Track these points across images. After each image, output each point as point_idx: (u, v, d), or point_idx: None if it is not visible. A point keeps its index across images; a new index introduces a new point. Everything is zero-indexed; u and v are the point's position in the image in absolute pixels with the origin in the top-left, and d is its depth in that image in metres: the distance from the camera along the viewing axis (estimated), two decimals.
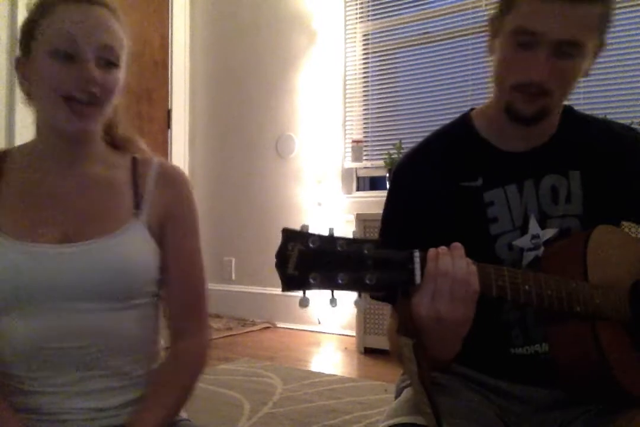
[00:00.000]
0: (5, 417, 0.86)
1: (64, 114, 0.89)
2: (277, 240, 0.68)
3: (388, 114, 3.51)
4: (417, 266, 0.73)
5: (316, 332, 3.49)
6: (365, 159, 3.52)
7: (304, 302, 0.69)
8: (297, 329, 3.57)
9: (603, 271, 0.90)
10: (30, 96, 0.95)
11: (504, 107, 0.97)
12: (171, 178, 1.02)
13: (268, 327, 3.63)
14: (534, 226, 1.00)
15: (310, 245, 0.68)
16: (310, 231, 0.69)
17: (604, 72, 2.84)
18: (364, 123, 3.59)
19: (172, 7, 4.08)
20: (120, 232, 0.93)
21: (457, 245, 0.78)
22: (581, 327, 0.86)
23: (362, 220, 2.96)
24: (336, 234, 0.70)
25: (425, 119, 3.34)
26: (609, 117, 2.62)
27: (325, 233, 0.70)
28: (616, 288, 0.91)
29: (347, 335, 3.30)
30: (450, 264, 0.75)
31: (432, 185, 1.02)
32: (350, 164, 3.57)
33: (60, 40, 0.88)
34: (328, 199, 3.58)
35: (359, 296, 0.72)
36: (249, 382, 2.41)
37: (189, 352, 0.99)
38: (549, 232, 1.00)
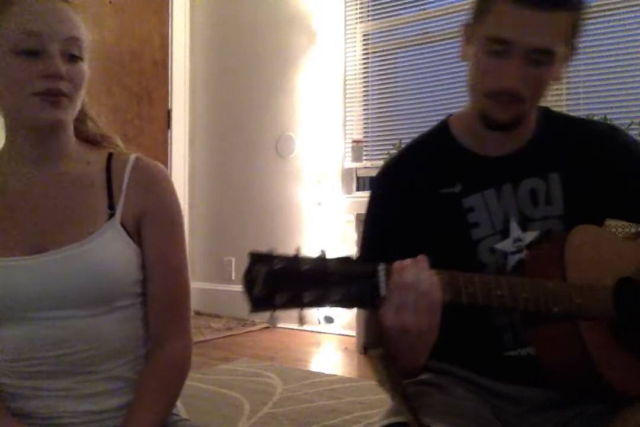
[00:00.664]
0: (4, 422, 0.86)
1: (35, 104, 0.86)
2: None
3: (388, 114, 3.51)
4: (382, 279, 0.74)
5: (316, 332, 3.49)
6: (365, 159, 3.52)
7: (272, 321, 0.72)
8: (297, 329, 3.57)
9: (583, 271, 0.90)
10: None
11: (479, 114, 0.98)
12: (147, 173, 0.97)
13: (268, 327, 3.63)
14: (515, 229, 1.00)
15: (276, 266, 0.70)
16: (278, 253, 0.71)
17: (604, 72, 2.84)
18: (364, 123, 3.59)
19: (172, 7, 4.07)
20: (95, 236, 0.90)
21: (421, 258, 0.79)
22: (563, 328, 0.86)
23: (362, 220, 2.94)
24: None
25: (425, 119, 3.34)
26: (609, 117, 2.63)
27: (292, 253, 0.72)
28: (598, 287, 0.91)
29: (347, 335, 3.30)
30: (414, 276, 0.76)
31: (413, 192, 1.03)
32: (350, 164, 3.57)
33: (24, 36, 0.85)
34: (328, 199, 3.58)
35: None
36: (249, 382, 2.40)
37: (171, 359, 0.95)
38: (531, 235, 1.00)
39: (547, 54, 0.91)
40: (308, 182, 3.69)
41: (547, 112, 1.08)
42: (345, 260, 0.72)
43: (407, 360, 0.84)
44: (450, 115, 1.11)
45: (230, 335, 3.36)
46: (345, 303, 0.72)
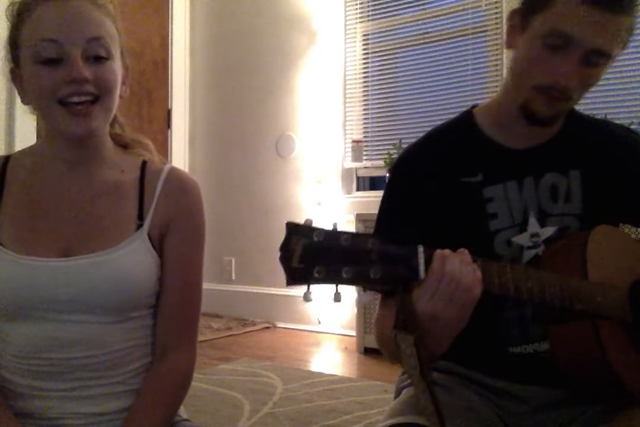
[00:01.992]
0: (4, 421, 0.86)
1: (63, 118, 0.86)
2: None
3: (388, 114, 3.51)
4: (422, 262, 0.73)
5: (316, 332, 3.49)
6: (365, 159, 3.52)
7: (307, 297, 0.70)
8: (297, 329, 3.57)
9: (602, 270, 0.90)
10: (30, 105, 0.92)
11: (520, 105, 0.96)
12: (179, 186, 0.98)
13: (268, 327, 3.63)
14: (533, 224, 1.00)
15: (315, 239, 0.67)
16: (314, 225, 0.69)
17: None
18: (364, 123, 3.59)
19: (172, 7, 4.08)
20: (122, 246, 0.91)
21: (464, 250, 0.78)
22: (582, 326, 0.86)
23: (362, 220, 2.96)
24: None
25: (425, 119, 3.34)
26: (609, 117, 2.62)
27: (330, 228, 0.70)
28: (616, 287, 0.91)
29: (347, 335, 3.30)
30: (458, 269, 0.75)
31: (432, 180, 1.02)
32: (350, 164, 3.57)
33: (42, 44, 0.84)
34: (328, 199, 3.58)
35: (364, 290, 0.72)
36: (249, 382, 2.41)
37: (175, 370, 0.95)
38: (548, 231, 1.00)
39: (603, 56, 0.90)
40: (308, 182, 3.69)
41: (573, 111, 1.07)
42: (385, 238, 0.70)
43: (429, 345, 0.82)
44: (475, 105, 1.10)
45: (230, 335, 3.36)
46: (383, 282, 0.70)
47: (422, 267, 0.73)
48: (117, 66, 0.90)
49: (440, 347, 0.84)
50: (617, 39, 0.90)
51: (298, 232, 0.67)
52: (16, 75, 0.91)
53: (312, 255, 0.67)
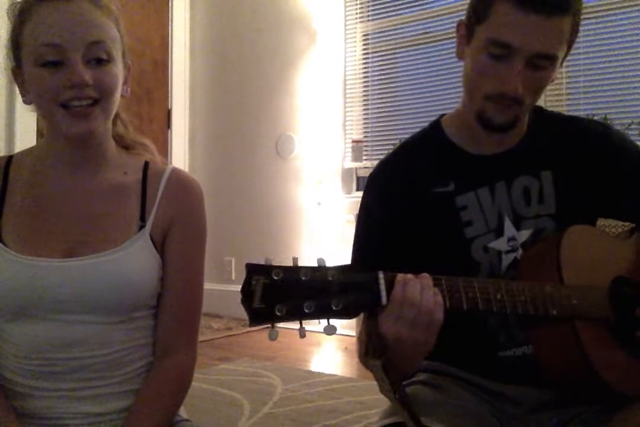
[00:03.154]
0: (4, 420, 0.86)
1: (64, 119, 0.86)
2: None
3: (388, 114, 3.51)
4: (383, 287, 0.74)
5: (316, 332, 3.48)
6: (365, 159, 3.52)
7: (272, 335, 0.71)
8: (297, 329, 3.56)
9: (579, 271, 0.90)
10: (31, 104, 0.92)
11: (476, 115, 0.97)
12: (181, 187, 0.99)
13: (268, 327, 3.62)
14: (509, 228, 1.00)
15: (274, 277, 0.69)
16: (274, 263, 0.69)
17: (604, 72, 2.84)
18: (364, 123, 3.59)
19: (172, 7, 4.08)
20: (124, 247, 0.91)
21: (425, 275, 0.79)
22: (561, 329, 0.87)
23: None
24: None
25: (425, 119, 3.32)
26: (609, 117, 2.63)
27: (290, 264, 0.70)
28: (595, 287, 0.91)
29: (347, 335, 3.30)
30: (418, 294, 0.76)
31: (404, 194, 1.03)
32: (350, 164, 3.57)
33: (42, 47, 0.84)
34: (328, 199, 3.58)
35: (328, 322, 0.73)
36: (249, 382, 2.40)
37: (175, 371, 0.95)
38: (525, 234, 1.00)
39: (549, 58, 0.91)
40: (308, 182, 3.69)
41: (539, 111, 1.08)
42: (345, 268, 0.72)
43: (400, 365, 0.84)
44: (443, 115, 1.11)
45: (230, 335, 3.36)
46: (347, 312, 0.71)
47: (383, 293, 0.74)
48: (118, 69, 0.90)
49: (412, 367, 0.86)
50: (559, 40, 0.90)
51: (258, 272, 0.69)
52: (17, 75, 0.91)
53: (272, 294, 0.68)
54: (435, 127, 1.08)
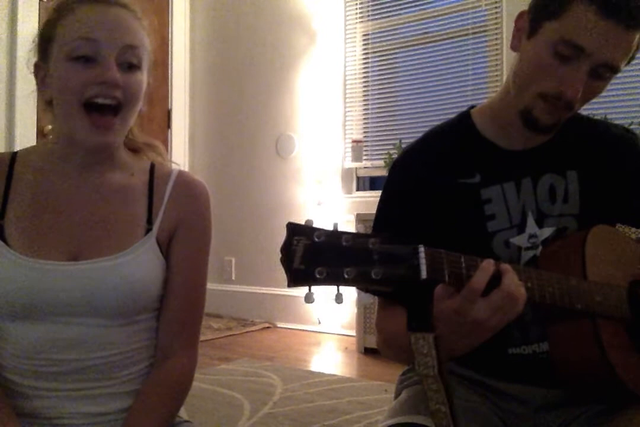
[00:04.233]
0: (4, 420, 0.86)
1: (85, 126, 0.86)
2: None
3: (388, 114, 3.51)
4: (423, 261, 0.72)
5: (316, 332, 3.49)
6: (365, 159, 3.52)
7: (309, 298, 0.68)
8: (297, 329, 3.57)
9: (601, 270, 0.90)
10: (50, 103, 0.91)
11: (521, 110, 0.95)
12: (188, 190, 0.98)
13: (268, 327, 3.63)
14: (531, 225, 1.00)
15: (316, 239, 0.66)
16: (315, 225, 0.68)
17: None
18: (364, 123, 3.59)
19: (172, 7, 4.08)
20: (131, 250, 0.90)
21: (508, 268, 0.76)
22: (582, 325, 0.86)
23: (362, 220, 2.97)
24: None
25: (425, 119, 3.34)
26: (609, 117, 2.63)
27: (330, 228, 0.69)
28: (615, 286, 0.91)
29: (347, 335, 3.30)
30: (519, 286, 0.74)
31: (430, 181, 1.02)
32: (350, 164, 3.57)
33: (80, 42, 0.84)
34: (328, 199, 3.58)
35: (365, 291, 0.70)
36: (249, 382, 2.41)
37: (176, 373, 0.94)
38: (547, 231, 1.00)
39: (612, 70, 0.90)
40: (308, 182, 3.69)
41: None
42: (385, 238, 0.69)
43: (454, 347, 0.81)
44: (473, 106, 1.10)
45: (230, 335, 3.36)
46: (385, 283, 0.68)
47: (423, 267, 0.72)
48: (144, 78, 0.91)
49: (465, 349, 0.82)
50: (627, 53, 0.89)
51: (299, 233, 0.67)
52: (40, 70, 0.91)
53: (313, 256, 0.66)
54: (465, 117, 1.07)
